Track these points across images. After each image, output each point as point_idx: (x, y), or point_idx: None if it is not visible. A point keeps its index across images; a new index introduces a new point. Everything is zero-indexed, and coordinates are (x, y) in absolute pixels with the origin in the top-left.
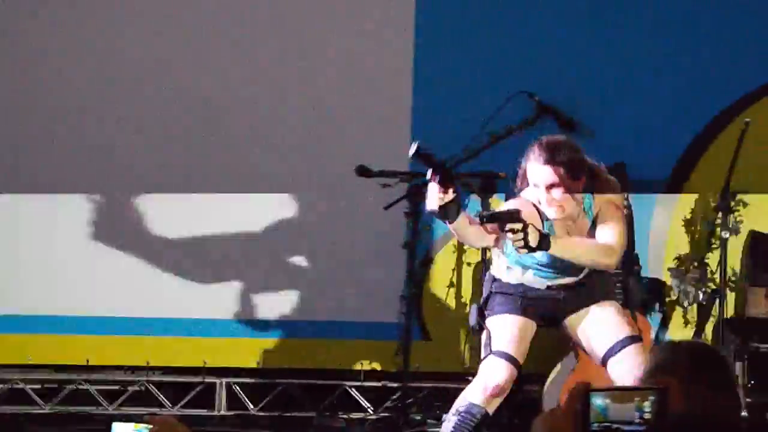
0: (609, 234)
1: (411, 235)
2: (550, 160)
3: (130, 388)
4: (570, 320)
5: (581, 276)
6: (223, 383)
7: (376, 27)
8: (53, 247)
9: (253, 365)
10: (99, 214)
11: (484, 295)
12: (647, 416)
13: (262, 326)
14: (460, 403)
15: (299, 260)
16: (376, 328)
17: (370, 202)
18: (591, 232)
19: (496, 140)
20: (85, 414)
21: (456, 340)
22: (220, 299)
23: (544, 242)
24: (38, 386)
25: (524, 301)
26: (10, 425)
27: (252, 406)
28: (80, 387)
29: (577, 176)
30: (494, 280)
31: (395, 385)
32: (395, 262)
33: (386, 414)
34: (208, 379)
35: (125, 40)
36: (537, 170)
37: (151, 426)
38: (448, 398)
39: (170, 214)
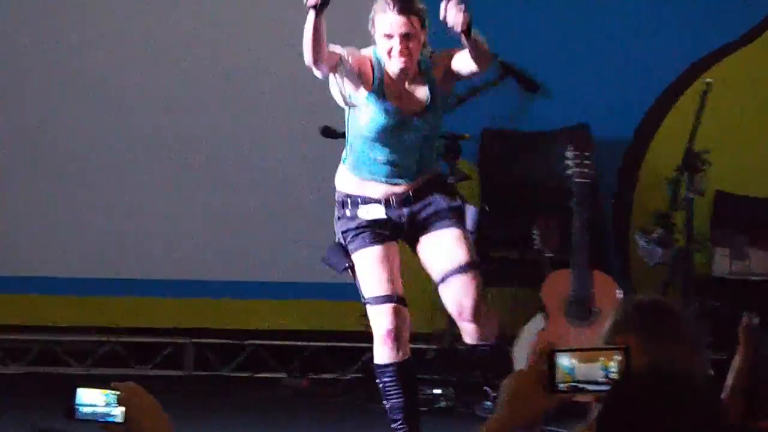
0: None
1: None
2: (405, 9)
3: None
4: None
5: (420, 180)
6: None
7: None
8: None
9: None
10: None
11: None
12: (613, 375)
13: (221, 286)
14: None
15: (262, 220)
16: (344, 289)
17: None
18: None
19: (459, 101)
20: (52, 375)
21: (424, 300)
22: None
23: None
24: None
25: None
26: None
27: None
28: (48, 348)
29: (424, 26)
30: (341, 204)
31: (362, 345)
32: None
33: (356, 375)
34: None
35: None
36: (392, 20)
37: (119, 392)
38: (418, 359)
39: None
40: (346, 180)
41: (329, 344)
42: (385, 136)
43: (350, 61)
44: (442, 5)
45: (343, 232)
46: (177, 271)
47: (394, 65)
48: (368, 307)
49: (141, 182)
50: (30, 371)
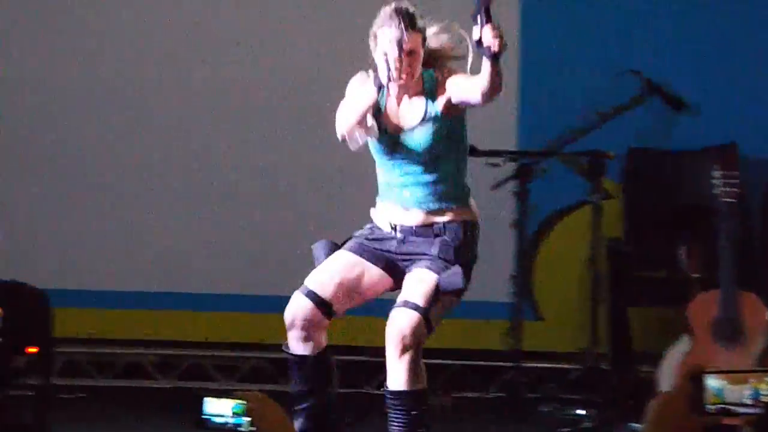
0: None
1: (520, 215)
2: (409, 25)
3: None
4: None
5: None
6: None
7: None
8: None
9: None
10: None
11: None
12: (764, 398)
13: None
14: None
15: None
16: (486, 308)
17: (478, 181)
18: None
19: (604, 119)
20: (140, 388)
21: (569, 319)
22: None
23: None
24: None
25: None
26: (128, 398)
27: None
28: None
29: (425, 44)
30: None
31: (506, 364)
32: (504, 242)
33: (499, 394)
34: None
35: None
36: (396, 35)
37: (245, 402)
38: (561, 379)
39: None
40: (375, 210)
41: (472, 363)
42: (386, 156)
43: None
44: (477, 28)
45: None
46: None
47: (392, 81)
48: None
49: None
50: (118, 385)
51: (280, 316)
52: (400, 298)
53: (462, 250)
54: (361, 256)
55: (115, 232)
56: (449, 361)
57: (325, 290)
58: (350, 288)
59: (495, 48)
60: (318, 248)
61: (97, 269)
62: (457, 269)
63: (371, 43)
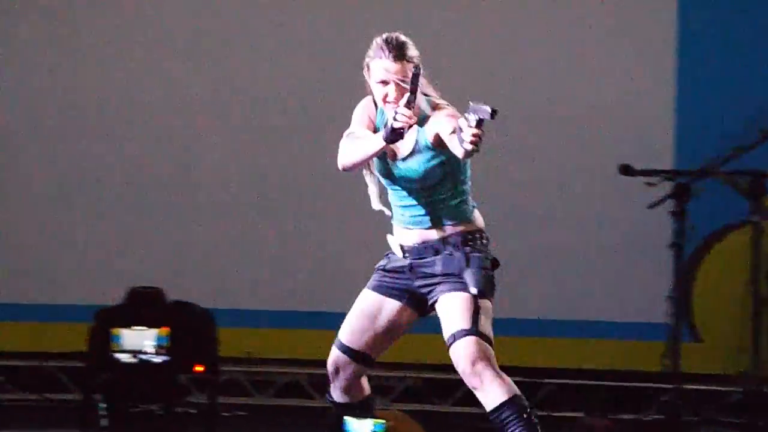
0: None
1: (677, 235)
2: (400, 56)
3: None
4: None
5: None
6: None
7: (637, 24)
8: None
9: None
10: None
11: None
12: None
13: (521, 325)
14: None
15: (562, 258)
16: (642, 329)
17: (635, 201)
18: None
19: (765, 137)
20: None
21: (729, 341)
22: None
23: None
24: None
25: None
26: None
27: None
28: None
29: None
30: None
31: (665, 386)
32: (661, 262)
33: (657, 416)
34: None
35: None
36: (388, 66)
37: (385, 421)
38: (721, 402)
39: None
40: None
41: (629, 384)
42: (386, 180)
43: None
44: (464, 122)
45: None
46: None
47: (389, 111)
48: None
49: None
50: (276, 403)
51: (436, 335)
52: (446, 334)
53: (468, 256)
54: (380, 293)
55: (269, 252)
56: (605, 383)
57: (358, 342)
58: (379, 332)
59: (467, 147)
60: None
61: (254, 289)
62: (469, 272)
63: (365, 74)
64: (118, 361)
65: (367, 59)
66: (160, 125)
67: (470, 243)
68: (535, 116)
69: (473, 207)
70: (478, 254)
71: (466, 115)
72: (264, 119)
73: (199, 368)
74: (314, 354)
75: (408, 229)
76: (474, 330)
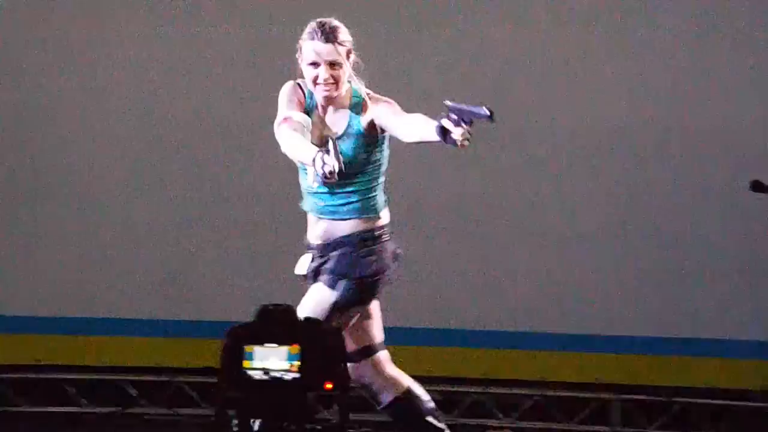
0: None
1: None
2: (332, 38)
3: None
4: None
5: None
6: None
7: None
8: None
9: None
10: None
11: None
12: None
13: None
14: None
15: (686, 277)
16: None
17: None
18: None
19: None
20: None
21: None
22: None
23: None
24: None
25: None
26: None
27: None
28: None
29: (348, 59)
30: None
31: None
32: None
33: None
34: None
35: None
36: (319, 48)
37: None
38: None
39: None
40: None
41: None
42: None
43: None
44: (448, 122)
45: None
46: (596, 325)
47: (318, 93)
48: None
49: None
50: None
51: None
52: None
53: (355, 262)
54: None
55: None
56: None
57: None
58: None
59: (459, 146)
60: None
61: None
62: (344, 282)
63: (297, 56)
64: (250, 377)
65: (300, 41)
66: None
67: (368, 244)
68: (664, 129)
69: (385, 201)
70: (367, 258)
71: (450, 115)
72: None
73: (329, 386)
74: (435, 371)
75: (318, 219)
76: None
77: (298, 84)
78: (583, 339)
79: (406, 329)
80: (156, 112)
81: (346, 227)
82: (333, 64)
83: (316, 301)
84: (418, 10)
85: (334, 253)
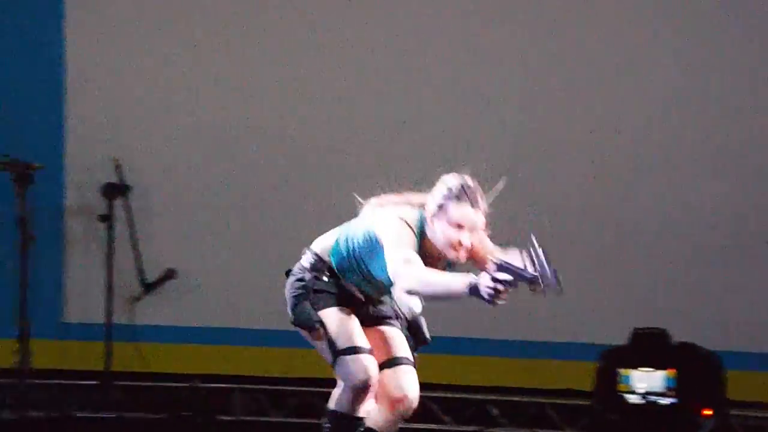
0: None
1: None
2: (480, 206)
3: None
4: None
5: None
6: None
7: None
8: None
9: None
10: None
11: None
12: None
13: None
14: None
15: None
16: None
17: None
18: None
19: None
20: None
21: None
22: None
23: None
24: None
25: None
26: None
27: None
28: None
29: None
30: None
31: None
32: None
33: None
34: None
35: None
36: (470, 215)
37: None
38: None
39: None
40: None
41: None
42: None
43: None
44: (487, 277)
45: (316, 291)
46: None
47: (453, 254)
48: (346, 357)
49: None
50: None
51: None
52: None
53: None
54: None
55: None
56: None
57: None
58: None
59: (487, 303)
60: (302, 313)
61: None
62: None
63: (433, 206)
64: (626, 401)
65: (443, 193)
66: None
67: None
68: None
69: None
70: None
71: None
72: None
73: (707, 412)
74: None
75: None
76: None
77: (408, 224)
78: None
79: None
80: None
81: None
82: (474, 230)
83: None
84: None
85: None
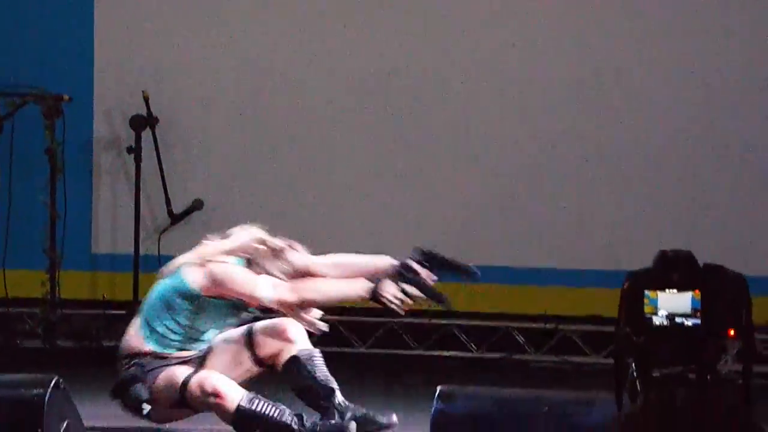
0: None
1: None
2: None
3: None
4: None
5: None
6: None
7: None
8: None
9: None
10: None
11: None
12: None
13: None
14: None
15: None
16: None
17: None
18: None
19: None
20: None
21: None
22: None
23: None
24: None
25: None
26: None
27: None
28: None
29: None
30: None
31: None
32: None
33: None
34: None
35: None
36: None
37: None
38: None
39: None
40: None
41: None
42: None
43: None
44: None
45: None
46: None
47: (261, 248)
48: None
49: None
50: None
51: None
52: None
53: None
54: None
55: None
56: None
57: None
58: None
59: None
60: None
61: None
62: None
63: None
64: (651, 323)
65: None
66: None
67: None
68: None
69: None
70: None
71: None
72: None
73: (731, 332)
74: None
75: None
76: None
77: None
78: None
79: None
80: None
81: None
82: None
83: None
84: None
85: None
